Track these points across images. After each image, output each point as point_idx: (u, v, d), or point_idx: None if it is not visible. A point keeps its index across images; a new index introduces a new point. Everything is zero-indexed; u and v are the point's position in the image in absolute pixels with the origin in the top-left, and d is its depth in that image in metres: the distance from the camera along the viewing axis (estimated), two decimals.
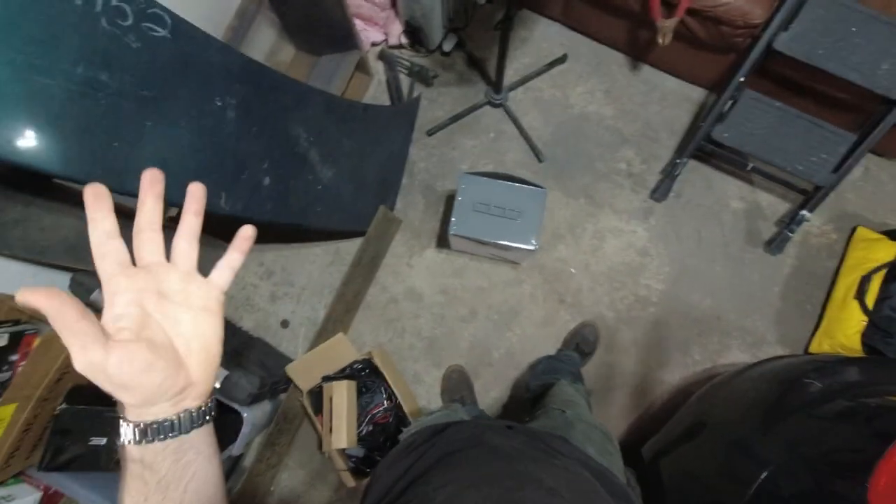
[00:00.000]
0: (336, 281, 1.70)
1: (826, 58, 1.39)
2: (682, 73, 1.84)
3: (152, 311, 0.38)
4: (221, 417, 1.32)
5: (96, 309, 1.16)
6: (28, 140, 0.81)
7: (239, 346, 1.43)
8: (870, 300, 1.53)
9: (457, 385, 1.60)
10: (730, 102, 1.56)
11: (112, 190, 0.94)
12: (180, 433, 0.38)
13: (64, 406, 1.07)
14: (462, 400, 1.56)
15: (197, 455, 0.39)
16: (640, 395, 1.65)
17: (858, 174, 1.78)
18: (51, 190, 1.11)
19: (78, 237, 1.25)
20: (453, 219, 1.39)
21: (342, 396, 1.39)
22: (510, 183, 1.42)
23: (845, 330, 1.54)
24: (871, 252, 1.61)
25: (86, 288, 1.27)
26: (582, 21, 1.83)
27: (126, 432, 0.36)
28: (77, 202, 1.19)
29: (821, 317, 1.66)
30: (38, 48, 0.80)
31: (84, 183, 0.67)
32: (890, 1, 1.38)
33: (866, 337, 1.49)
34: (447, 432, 0.65)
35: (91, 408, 1.11)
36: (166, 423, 0.37)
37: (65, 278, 1.30)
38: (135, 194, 0.82)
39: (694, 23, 1.51)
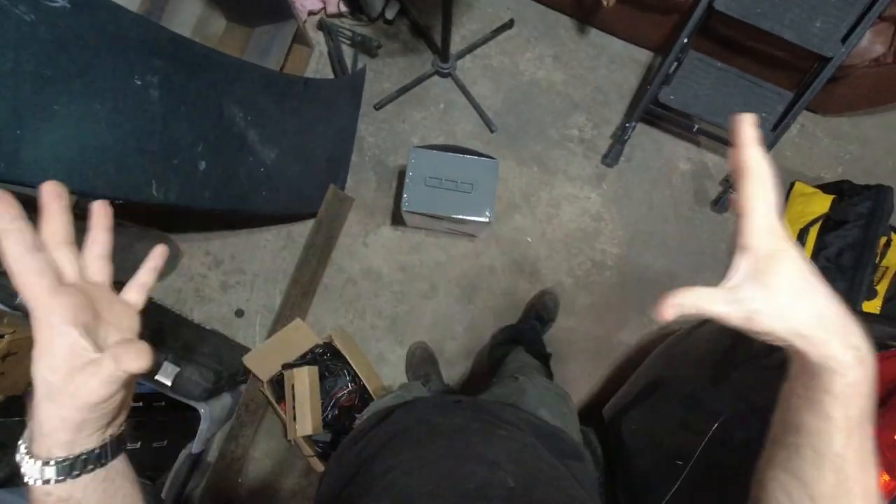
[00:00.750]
0: (290, 266, 1.64)
1: (762, 16, 1.41)
2: (628, 35, 1.83)
3: (91, 332, 0.34)
4: (177, 415, 1.27)
5: (24, 311, 1.05)
6: None
7: (190, 340, 1.36)
8: (808, 251, 1.61)
9: (421, 361, 1.60)
10: (675, 64, 1.57)
11: (21, 183, 0.84)
12: (108, 460, 0.35)
13: None
14: (427, 376, 1.56)
15: (123, 480, 0.37)
16: (601, 358, 1.70)
17: (795, 131, 1.85)
18: None
19: None
20: (405, 195, 1.35)
21: (304, 383, 1.36)
22: (461, 155, 1.39)
23: None
24: (808, 206, 1.69)
25: (8, 292, 1.16)
26: None
27: (46, 471, 0.33)
28: None
29: None
30: None
31: None
32: None
33: None
34: (393, 416, 0.64)
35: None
36: (95, 452, 0.34)
37: None
38: (34, 184, 0.74)
39: None
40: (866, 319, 1.28)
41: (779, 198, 0.35)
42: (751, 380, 0.97)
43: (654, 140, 1.81)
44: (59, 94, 0.86)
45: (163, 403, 1.22)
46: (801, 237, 1.63)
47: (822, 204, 1.66)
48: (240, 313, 1.63)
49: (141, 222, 1.49)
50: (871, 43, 1.45)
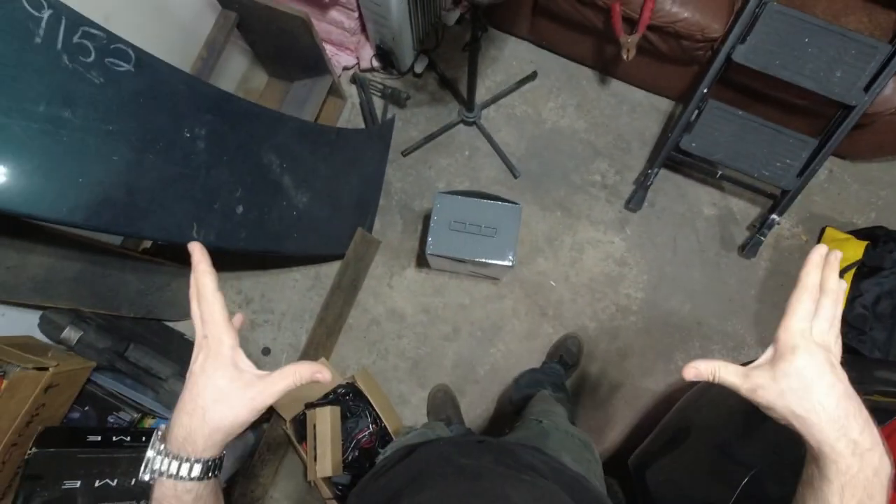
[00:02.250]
0: (317, 305, 1.68)
1: (782, 67, 1.44)
2: (649, 85, 1.89)
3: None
4: None
5: (68, 345, 1.12)
6: None
7: None
8: (843, 300, 1.56)
9: (442, 404, 1.59)
10: (695, 113, 1.60)
11: (78, 226, 0.92)
12: (219, 472, 0.44)
13: (34, 450, 1.04)
14: (448, 419, 1.54)
15: (220, 493, 0.46)
16: (625, 405, 1.65)
17: (823, 177, 1.84)
18: (17, 228, 1.09)
19: (47, 274, 1.23)
20: (430, 238, 1.39)
21: (325, 423, 1.37)
22: (484, 200, 1.43)
23: None
24: (841, 251, 1.64)
25: (55, 325, 1.24)
26: (549, 38, 1.88)
27: (195, 468, 0.41)
28: (43, 240, 1.17)
29: None
30: None
31: (49, 221, 0.70)
32: (838, 12, 1.44)
33: (842, 336, 1.52)
34: (416, 454, 0.64)
35: (64, 450, 1.07)
36: (218, 461, 0.43)
37: (34, 316, 1.27)
38: (101, 229, 0.85)
39: (656, 38, 1.56)
40: None
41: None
42: (784, 432, 0.93)
43: (677, 186, 1.82)
44: (118, 146, 0.95)
45: None
46: None
47: (855, 250, 1.62)
48: (266, 352, 1.67)
49: (179, 261, 1.57)
50: (894, 92, 1.46)
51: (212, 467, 0.42)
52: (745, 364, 0.44)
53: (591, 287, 1.72)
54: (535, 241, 1.76)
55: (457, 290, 1.71)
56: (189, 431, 0.41)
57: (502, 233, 1.41)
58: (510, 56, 1.94)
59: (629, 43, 1.52)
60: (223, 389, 0.42)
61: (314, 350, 1.55)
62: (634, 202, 1.75)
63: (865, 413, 0.39)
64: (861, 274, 1.56)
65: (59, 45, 0.86)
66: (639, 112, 1.89)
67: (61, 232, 1.19)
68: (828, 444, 0.37)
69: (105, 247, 1.36)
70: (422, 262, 1.71)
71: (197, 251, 0.45)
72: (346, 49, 1.81)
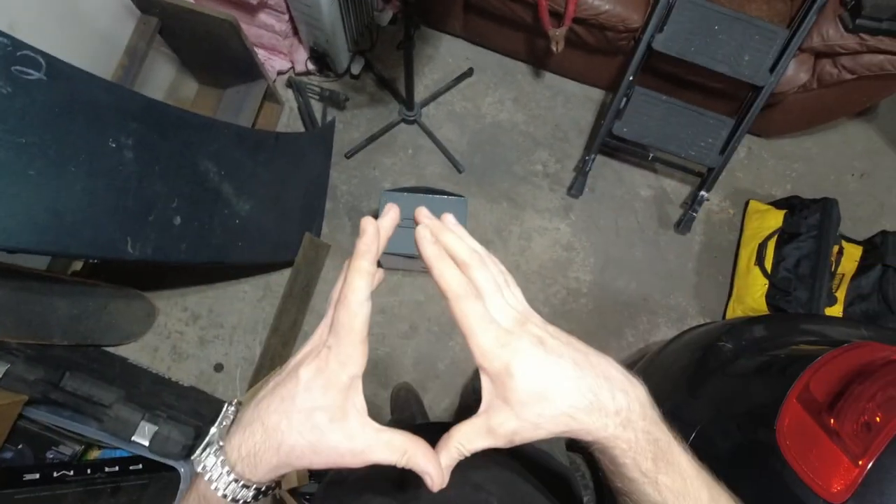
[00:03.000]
0: (269, 316, 1.64)
1: (697, 53, 1.54)
2: (581, 76, 1.97)
3: None
4: (156, 476, 1.23)
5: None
6: None
7: (167, 399, 1.33)
8: (768, 264, 1.69)
9: (405, 402, 1.58)
10: (624, 100, 1.69)
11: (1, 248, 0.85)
12: (268, 493, 0.36)
13: None
14: (412, 416, 1.54)
15: None
16: None
17: (743, 154, 1.98)
18: None
19: None
20: None
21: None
22: (431, 195, 1.44)
23: (752, 294, 1.69)
24: (764, 221, 1.78)
25: None
26: (483, 35, 1.92)
27: (241, 492, 0.33)
28: None
29: (731, 286, 1.81)
30: None
31: None
32: (742, 2, 1.57)
33: (769, 298, 1.65)
34: None
35: None
36: (273, 485, 0.35)
37: None
38: (21, 250, 0.79)
39: (582, 30, 1.63)
40: (828, 322, 1.34)
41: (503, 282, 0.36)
42: (721, 388, 1.00)
43: (615, 170, 1.91)
44: (34, 159, 0.89)
45: (140, 466, 1.19)
46: (761, 251, 1.71)
47: (775, 219, 1.76)
48: (219, 368, 1.61)
49: (116, 281, 1.48)
50: (796, 72, 1.60)
51: (263, 491, 0.35)
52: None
53: (541, 273, 1.78)
54: (485, 233, 1.79)
55: (411, 287, 1.71)
56: (256, 451, 0.33)
57: None
58: (446, 54, 1.97)
59: (557, 36, 1.58)
60: (317, 427, 0.32)
61: (269, 360, 1.50)
62: (576, 188, 1.82)
63: (600, 367, 0.35)
64: (782, 240, 1.70)
65: None
66: (573, 102, 1.97)
67: None
68: (601, 435, 0.33)
69: (28, 271, 1.27)
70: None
71: (370, 233, 0.36)
72: (279, 53, 1.78)
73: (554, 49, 1.61)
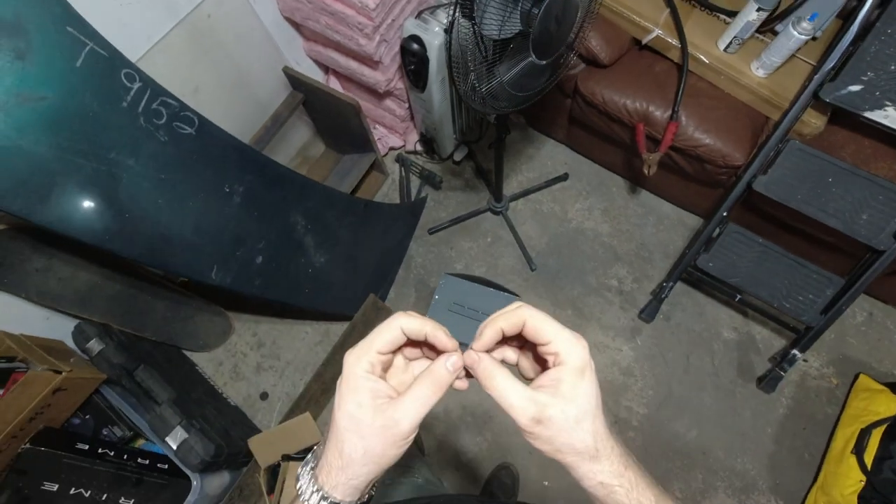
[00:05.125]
0: (320, 360, 1.75)
1: (805, 202, 1.43)
2: (677, 200, 1.92)
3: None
4: (174, 481, 1.34)
5: (90, 355, 1.25)
6: (56, 208, 0.98)
7: (209, 413, 1.48)
8: (868, 457, 1.41)
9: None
10: (717, 231, 1.61)
11: (114, 252, 1.07)
12: None
13: (27, 446, 1.14)
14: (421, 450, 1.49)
15: None
16: None
17: (861, 319, 1.73)
18: (75, 245, 1.28)
19: (90, 290, 1.41)
20: (428, 315, 1.45)
21: (295, 479, 1.38)
22: (487, 287, 1.48)
23: (842, 488, 1.41)
24: (872, 404, 1.51)
25: (85, 336, 1.39)
26: (583, 145, 1.99)
27: None
28: (92, 259, 1.35)
29: (819, 468, 1.53)
30: (83, 136, 0.99)
31: (92, 245, 1.00)
32: (867, 157, 1.44)
33: (863, 500, 1.36)
34: None
35: (52, 452, 1.16)
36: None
37: (71, 324, 1.43)
38: (133, 258, 1.00)
39: (679, 158, 1.62)
40: None
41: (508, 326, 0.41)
42: None
43: (697, 303, 1.78)
44: (165, 192, 1.12)
45: (165, 466, 1.31)
46: (862, 439, 1.44)
47: (888, 405, 1.48)
48: (264, 396, 1.74)
49: (207, 296, 1.72)
50: None
51: None
52: None
53: None
54: None
55: None
56: (328, 459, 0.38)
57: None
58: (546, 156, 2.07)
59: (651, 160, 1.59)
60: (354, 416, 0.37)
61: (306, 403, 1.59)
62: (647, 312, 1.73)
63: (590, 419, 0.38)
64: (892, 433, 1.41)
65: (140, 109, 1.07)
66: (665, 224, 1.91)
67: (111, 255, 1.38)
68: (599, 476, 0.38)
69: (145, 273, 1.54)
70: None
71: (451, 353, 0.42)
72: (395, 132, 2.02)
73: (646, 172, 1.61)
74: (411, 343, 0.42)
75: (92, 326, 1.41)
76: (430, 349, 0.43)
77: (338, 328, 1.81)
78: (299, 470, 0.41)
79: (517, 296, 1.47)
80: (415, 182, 2.04)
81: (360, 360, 0.39)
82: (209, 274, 1.24)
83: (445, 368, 0.40)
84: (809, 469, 1.54)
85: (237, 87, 1.62)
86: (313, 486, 0.39)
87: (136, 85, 1.06)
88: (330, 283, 1.58)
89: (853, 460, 1.43)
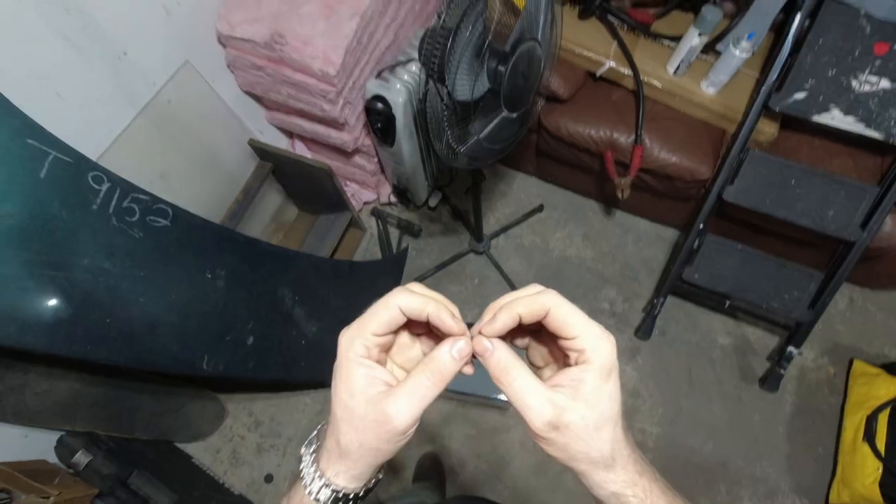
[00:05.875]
0: None
1: (774, 206, 1.49)
2: (652, 216, 1.97)
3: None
4: None
5: (76, 469, 1.17)
6: (31, 328, 0.92)
7: None
8: (880, 443, 1.43)
9: (428, 471, 1.49)
10: (696, 242, 1.65)
11: (100, 361, 1.01)
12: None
13: None
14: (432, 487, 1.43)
15: None
16: None
17: (844, 305, 1.79)
18: (48, 357, 1.20)
19: (72, 399, 1.32)
20: None
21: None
22: None
23: (862, 479, 1.42)
24: (873, 388, 1.55)
25: (69, 449, 1.29)
26: (554, 175, 2.04)
27: (322, 492, 0.36)
28: (70, 366, 1.28)
29: (835, 461, 1.54)
30: (53, 248, 0.95)
31: (74, 358, 0.89)
32: (822, 157, 1.52)
33: (885, 487, 1.37)
34: None
35: None
36: (351, 496, 0.38)
37: (53, 437, 1.34)
38: (119, 364, 0.94)
39: (650, 178, 1.67)
40: None
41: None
42: None
43: (689, 314, 1.81)
44: (147, 289, 1.08)
45: None
46: (870, 425, 1.47)
47: (887, 387, 1.52)
48: (269, 479, 1.65)
49: (194, 383, 1.64)
50: (894, 227, 1.47)
51: (342, 499, 0.36)
52: None
53: None
54: None
55: (463, 419, 1.68)
56: (328, 444, 0.36)
57: None
58: (518, 190, 2.10)
59: (623, 184, 1.63)
60: (347, 406, 0.35)
61: None
62: (643, 331, 1.74)
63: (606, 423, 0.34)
64: None
65: (111, 210, 1.03)
66: (644, 241, 1.96)
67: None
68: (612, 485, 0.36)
69: (128, 370, 1.46)
70: None
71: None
72: (367, 186, 2.02)
73: (619, 196, 1.65)
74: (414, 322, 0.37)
75: (76, 438, 1.32)
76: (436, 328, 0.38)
77: None
78: (302, 450, 0.38)
79: None
80: (394, 234, 2.03)
81: (354, 343, 0.36)
82: (200, 365, 1.18)
83: (450, 356, 0.35)
84: (826, 463, 1.55)
85: (205, 166, 1.59)
86: (315, 471, 0.36)
87: (105, 186, 1.02)
88: (325, 351, 1.53)
89: (866, 448, 1.45)
